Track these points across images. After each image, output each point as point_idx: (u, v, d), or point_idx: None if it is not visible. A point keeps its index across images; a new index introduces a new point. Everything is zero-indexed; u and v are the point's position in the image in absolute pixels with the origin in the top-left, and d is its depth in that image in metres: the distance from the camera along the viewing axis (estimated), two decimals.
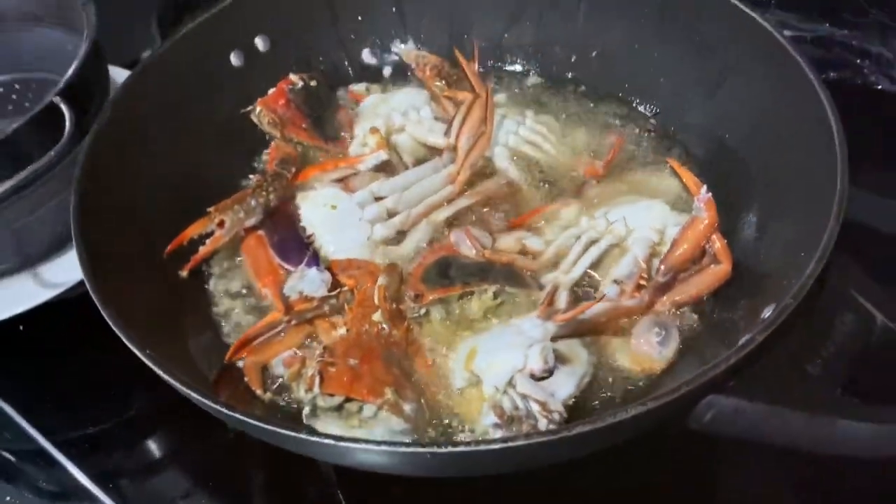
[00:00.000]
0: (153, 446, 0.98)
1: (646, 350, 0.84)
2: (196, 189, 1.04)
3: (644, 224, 0.95)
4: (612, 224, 0.95)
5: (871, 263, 0.92)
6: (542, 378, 0.80)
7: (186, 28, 1.06)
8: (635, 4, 1.12)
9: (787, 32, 1.17)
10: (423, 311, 0.91)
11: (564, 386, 0.80)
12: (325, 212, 1.01)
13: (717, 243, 0.89)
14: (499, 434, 0.76)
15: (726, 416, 0.67)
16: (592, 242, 0.95)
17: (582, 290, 0.92)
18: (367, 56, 1.22)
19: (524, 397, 0.78)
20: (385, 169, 1.07)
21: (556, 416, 0.78)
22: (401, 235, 1.01)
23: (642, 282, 0.90)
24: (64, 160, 1.01)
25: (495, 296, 0.91)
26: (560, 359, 0.82)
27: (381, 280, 0.91)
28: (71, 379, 1.04)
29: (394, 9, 1.20)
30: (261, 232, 1.00)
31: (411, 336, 0.90)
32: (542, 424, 0.77)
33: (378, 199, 1.02)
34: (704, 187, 0.93)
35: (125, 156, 0.97)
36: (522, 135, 1.10)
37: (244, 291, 0.98)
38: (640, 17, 1.12)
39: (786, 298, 0.71)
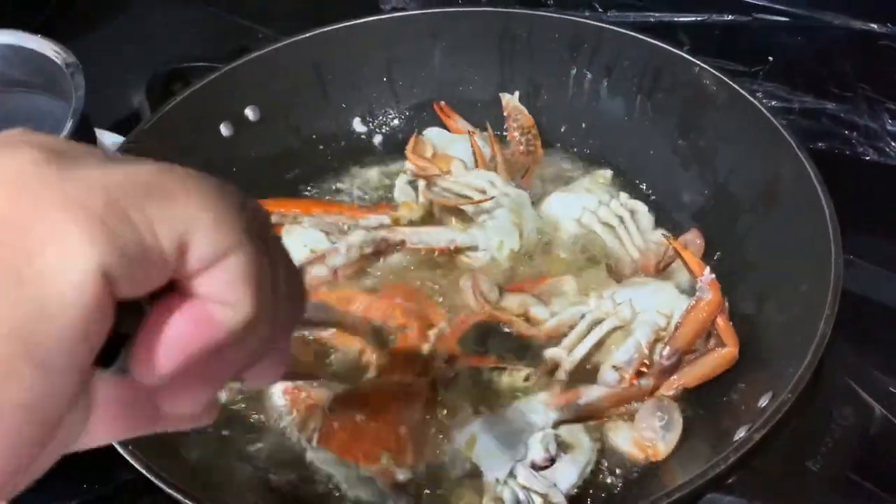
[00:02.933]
0: None
1: (649, 435, 0.82)
2: None
3: (651, 307, 0.93)
4: (618, 305, 0.93)
5: (866, 338, 0.92)
6: (544, 467, 0.78)
7: (175, 100, 1.06)
8: (623, 78, 1.13)
9: (774, 103, 1.20)
10: (451, 374, 0.90)
11: (567, 475, 0.79)
12: (303, 253, 1.00)
13: (722, 325, 0.89)
14: None
15: None
16: (597, 322, 0.93)
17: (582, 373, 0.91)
18: (357, 125, 1.22)
19: (525, 490, 0.76)
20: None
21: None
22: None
23: (643, 368, 0.89)
24: None
25: (527, 378, 0.89)
26: (562, 446, 0.81)
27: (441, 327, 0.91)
28: None
29: (384, 78, 1.20)
30: None
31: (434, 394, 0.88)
32: None
33: None
34: (707, 269, 0.93)
35: None
36: (601, 214, 1.05)
37: None
38: (629, 91, 1.13)
39: (784, 393, 0.71)
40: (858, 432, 0.72)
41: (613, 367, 0.87)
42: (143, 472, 0.70)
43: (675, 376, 0.88)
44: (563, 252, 1.04)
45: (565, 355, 0.90)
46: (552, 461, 0.79)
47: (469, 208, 1.06)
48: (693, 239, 1.02)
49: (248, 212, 0.35)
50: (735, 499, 0.67)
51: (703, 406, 0.86)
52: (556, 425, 0.83)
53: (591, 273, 1.01)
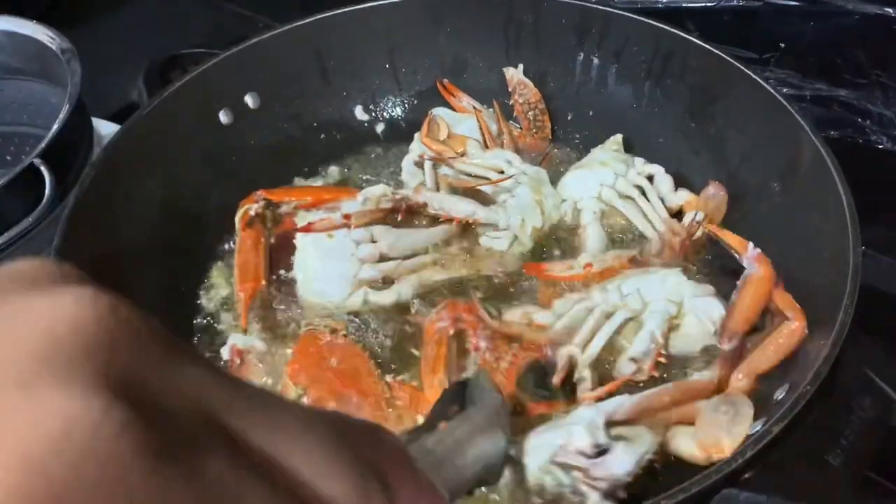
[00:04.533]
0: None
1: (712, 432, 0.74)
2: (183, 252, 1.01)
3: (659, 296, 0.90)
4: (626, 296, 0.90)
5: (883, 330, 0.89)
6: (595, 457, 0.72)
7: (174, 86, 1.03)
8: (631, 64, 1.10)
9: (785, 90, 1.17)
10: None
11: (622, 463, 0.72)
12: (320, 236, 0.98)
13: (780, 298, 0.83)
14: None
15: None
16: (607, 316, 0.89)
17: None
18: (359, 113, 1.19)
19: (566, 470, 0.72)
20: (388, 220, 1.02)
21: (603, 485, 0.71)
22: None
23: (660, 359, 0.85)
24: (43, 222, 0.97)
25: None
26: (617, 437, 0.75)
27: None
28: None
29: (387, 65, 1.18)
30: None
31: None
32: (594, 499, 0.71)
33: (374, 242, 0.98)
34: (750, 244, 0.90)
35: (106, 220, 0.93)
36: (619, 187, 1.02)
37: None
38: (638, 77, 1.10)
39: (802, 385, 0.68)
40: (880, 424, 0.69)
41: (631, 359, 0.84)
42: None
43: (742, 364, 0.81)
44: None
45: (580, 353, 0.86)
46: (602, 450, 0.73)
47: (488, 189, 1.04)
48: (716, 192, 1.00)
49: None
50: (752, 494, 0.64)
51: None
52: (612, 425, 0.77)
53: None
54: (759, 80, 0.97)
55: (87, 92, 1.09)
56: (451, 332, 0.89)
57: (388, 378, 0.88)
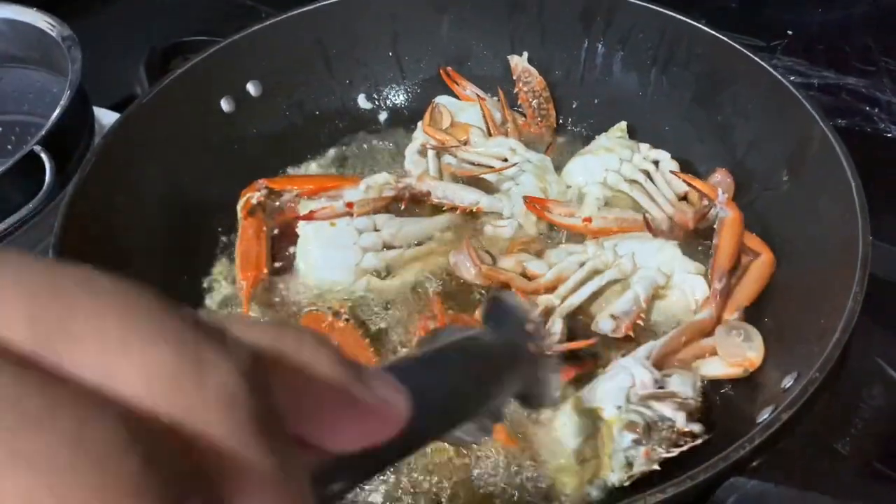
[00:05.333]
0: None
1: (736, 352, 0.82)
2: (184, 240, 1.00)
3: (652, 264, 0.91)
4: (620, 258, 0.91)
5: (891, 318, 0.88)
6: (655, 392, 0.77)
7: (175, 73, 1.02)
8: (637, 51, 1.09)
9: (792, 79, 1.15)
10: None
11: (686, 386, 0.78)
12: (322, 225, 0.98)
13: (748, 238, 0.92)
14: (641, 450, 0.72)
15: (751, 501, 0.62)
16: (596, 272, 0.91)
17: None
18: (362, 101, 1.18)
19: (647, 404, 0.75)
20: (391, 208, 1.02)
21: (692, 403, 0.76)
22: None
23: (639, 321, 0.87)
24: (44, 210, 0.96)
25: None
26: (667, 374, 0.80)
27: None
28: None
29: (390, 53, 1.17)
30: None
31: None
32: (681, 420, 0.74)
33: (377, 230, 0.98)
34: (720, 190, 0.94)
35: (107, 208, 0.92)
36: (625, 172, 1.01)
37: None
38: (643, 65, 1.09)
39: (811, 372, 0.67)
40: (889, 412, 0.68)
41: (612, 315, 0.86)
42: None
43: (731, 299, 0.89)
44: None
45: (558, 302, 0.88)
46: (660, 385, 0.77)
47: (492, 177, 1.03)
48: (723, 178, 0.99)
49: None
50: (760, 482, 0.63)
51: (724, 386, 0.83)
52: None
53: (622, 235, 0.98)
54: (767, 66, 0.96)
55: (89, 81, 1.08)
56: None
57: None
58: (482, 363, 0.38)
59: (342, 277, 0.95)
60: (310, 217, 0.97)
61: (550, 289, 0.91)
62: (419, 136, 1.09)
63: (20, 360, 0.18)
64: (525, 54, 1.14)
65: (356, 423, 0.25)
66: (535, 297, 0.90)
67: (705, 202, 0.97)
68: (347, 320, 0.90)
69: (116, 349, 0.19)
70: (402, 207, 0.98)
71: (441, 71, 1.17)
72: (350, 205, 0.96)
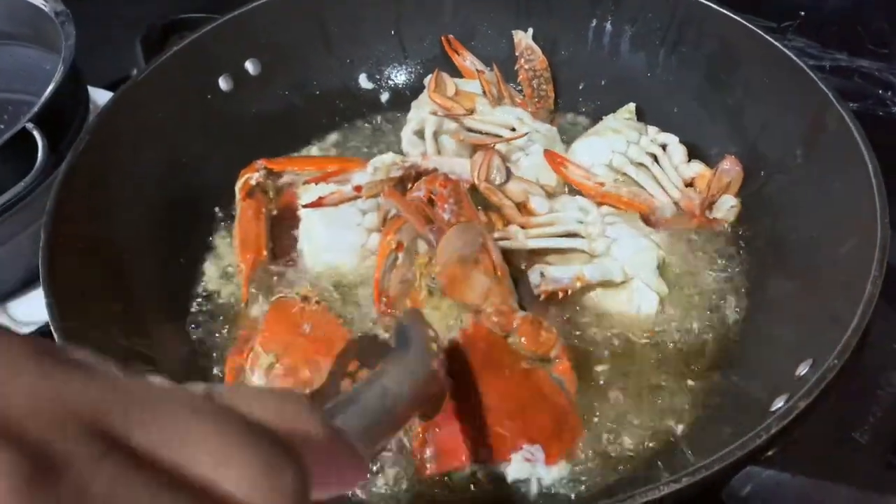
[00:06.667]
0: None
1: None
2: (179, 221, 0.97)
3: (625, 259, 0.89)
4: (605, 237, 0.91)
5: None
6: None
7: (172, 50, 1.00)
8: (646, 30, 1.06)
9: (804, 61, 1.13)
10: None
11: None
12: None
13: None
14: None
15: (766, 491, 0.60)
16: (572, 235, 0.92)
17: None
18: (363, 81, 1.15)
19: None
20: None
21: None
22: None
23: (560, 294, 0.87)
24: (37, 189, 0.94)
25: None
26: None
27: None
28: None
29: (392, 31, 1.14)
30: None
31: None
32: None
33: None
34: None
35: (102, 187, 0.90)
36: (631, 155, 0.99)
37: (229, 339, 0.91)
38: (652, 45, 1.07)
39: (829, 359, 0.65)
40: None
41: (542, 273, 0.87)
42: None
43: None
44: None
45: (522, 237, 0.90)
46: None
47: (502, 147, 1.00)
48: (731, 167, 0.97)
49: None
50: (775, 472, 0.61)
51: (736, 375, 0.81)
52: None
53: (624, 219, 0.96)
54: (780, 46, 0.94)
55: (85, 61, 1.05)
56: (425, 199, 0.90)
57: None
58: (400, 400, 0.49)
59: (349, 258, 0.93)
60: (318, 204, 0.94)
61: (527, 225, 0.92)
62: (414, 115, 1.07)
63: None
64: (530, 30, 1.12)
65: (340, 476, 0.34)
66: (507, 227, 0.92)
67: (714, 189, 0.95)
68: (318, 302, 0.88)
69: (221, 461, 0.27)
70: (410, 187, 0.95)
71: (443, 39, 1.14)
72: (358, 188, 0.93)
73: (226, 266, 0.97)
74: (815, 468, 0.62)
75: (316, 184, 0.98)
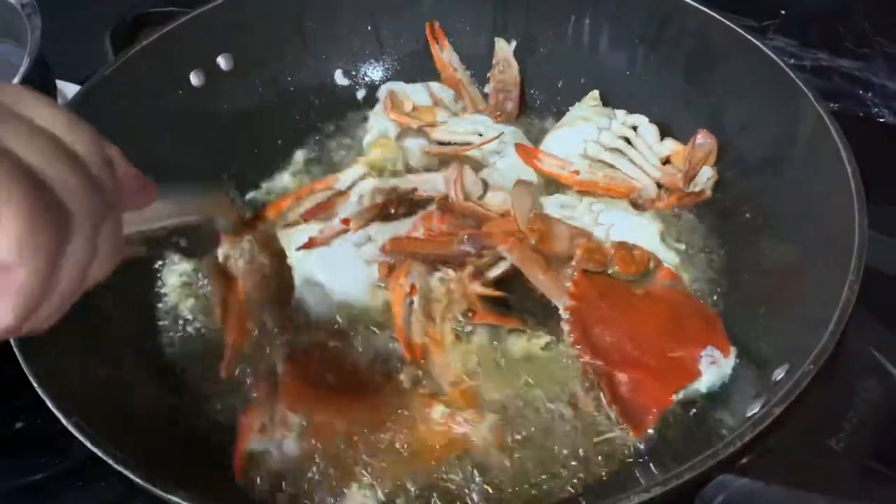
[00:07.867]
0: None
1: None
2: None
3: (625, 237, 0.89)
4: (598, 223, 0.91)
5: (887, 309, 0.85)
6: None
7: (142, 44, 0.98)
8: (625, 28, 1.05)
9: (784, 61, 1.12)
10: (469, 328, 0.85)
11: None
12: (318, 248, 0.93)
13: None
14: None
15: (740, 500, 0.59)
16: None
17: None
18: (339, 77, 1.13)
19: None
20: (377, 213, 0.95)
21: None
22: None
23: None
24: None
25: (546, 346, 0.84)
26: None
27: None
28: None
29: (369, 27, 1.12)
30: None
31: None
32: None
33: (373, 240, 0.94)
34: None
35: None
36: (604, 141, 0.99)
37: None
38: (632, 43, 1.05)
39: (804, 364, 0.64)
40: (884, 406, 0.65)
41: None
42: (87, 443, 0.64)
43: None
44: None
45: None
46: None
47: (475, 153, 1.00)
48: (704, 140, 0.97)
49: None
50: (749, 481, 0.60)
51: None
52: None
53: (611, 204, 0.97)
54: (760, 45, 0.93)
55: (54, 55, 1.03)
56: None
57: None
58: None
59: (361, 293, 0.90)
60: (311, 245, 0.92)
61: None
62: (375, 124, 1.06)
63: None
64: (514, 43, 1.11)
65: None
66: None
67: (693, 162, 0.96)
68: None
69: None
70: (393, 212, 0.94)
71: (427, 25, 1.12)
72: (346, 221, 0.92)
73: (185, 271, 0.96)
74: (790, 476, 0.61)
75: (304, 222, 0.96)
